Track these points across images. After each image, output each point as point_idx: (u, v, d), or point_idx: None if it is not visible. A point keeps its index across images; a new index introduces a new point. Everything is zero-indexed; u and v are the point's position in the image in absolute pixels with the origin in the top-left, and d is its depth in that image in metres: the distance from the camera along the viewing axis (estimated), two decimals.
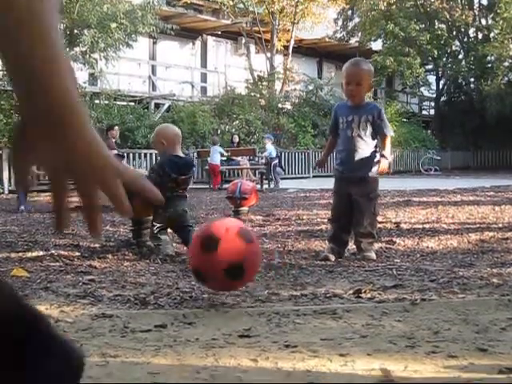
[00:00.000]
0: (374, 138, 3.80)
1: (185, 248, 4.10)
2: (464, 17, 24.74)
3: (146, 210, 4.01)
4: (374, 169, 3.80)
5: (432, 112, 29.67)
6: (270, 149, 14.26)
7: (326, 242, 3.99)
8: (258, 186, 10.94)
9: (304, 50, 24.90)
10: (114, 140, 11.86)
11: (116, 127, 12.22)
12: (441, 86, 28.00)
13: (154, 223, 3.84)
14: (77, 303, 2.55)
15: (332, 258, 3.68)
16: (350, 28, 28.13)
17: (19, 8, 0.60)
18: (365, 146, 3.76)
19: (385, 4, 24.63)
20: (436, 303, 2.46)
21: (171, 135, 3.96)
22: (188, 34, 20.98)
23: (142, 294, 2.71)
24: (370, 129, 3.77)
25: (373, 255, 3.71)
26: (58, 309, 2.42)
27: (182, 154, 4.03)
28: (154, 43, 20.53)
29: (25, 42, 0.61)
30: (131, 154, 14.27)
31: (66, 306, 2.47)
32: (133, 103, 17.35)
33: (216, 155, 13.69)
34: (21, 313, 0.76)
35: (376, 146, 3.84)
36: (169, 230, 3.98)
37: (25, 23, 0.60)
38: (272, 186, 13.78)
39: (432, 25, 25.69)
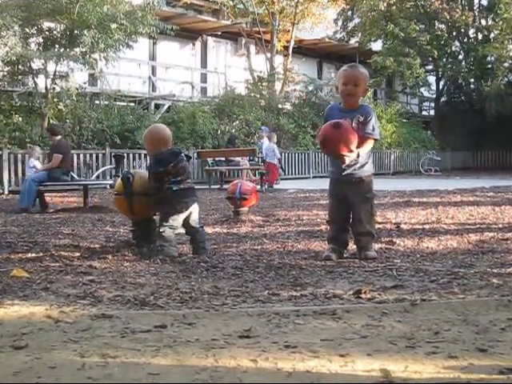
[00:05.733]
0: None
1: (186, 248, 4.11)
2: (464, 17, 24.68)
3: (146, 210, 4.02)
4: (367, 168, 3.80)
5: (432, 112, 29.66)
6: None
7: (327, 242, 4.00)
8: (258, 187, 10.93)
9: (304, 50, 24.89)
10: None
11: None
12: (441, 87, 27.98)
13: (162, 222, 3.83)
14: (77, 304, 2.55)
15: (334, 257, 3.69)
16: (349, 28, 28.11)
17: None
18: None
19: (385, 4, 24.61)
20: (436, 304, 2.46)
21: None
22: (188, 34, 20.99)
23: (141, 295, 2.71)
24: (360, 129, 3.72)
25: (373, 253, 3.74)
26: (57, 309, 2.42)
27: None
28: (154, 44, 20.53)
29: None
30: (131, 155, 14.29)
31: (66, 307, 2.47)
32: (133, 104, 17.35)
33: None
34: None
35: None
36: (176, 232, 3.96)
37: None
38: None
39: (432, 25, 25.67)
